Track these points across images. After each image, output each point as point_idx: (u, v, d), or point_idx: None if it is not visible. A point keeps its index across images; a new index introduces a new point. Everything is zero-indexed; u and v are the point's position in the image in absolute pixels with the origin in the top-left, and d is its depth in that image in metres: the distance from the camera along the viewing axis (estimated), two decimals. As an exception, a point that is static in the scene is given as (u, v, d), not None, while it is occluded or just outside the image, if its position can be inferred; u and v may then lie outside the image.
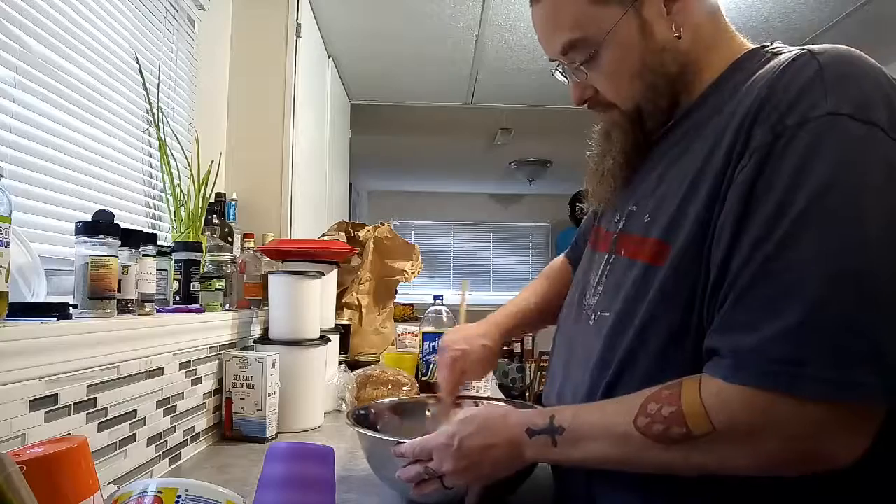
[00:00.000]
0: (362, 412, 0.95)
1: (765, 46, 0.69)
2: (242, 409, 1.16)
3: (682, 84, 0.71)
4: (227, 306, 1.30)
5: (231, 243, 1.50)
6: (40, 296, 0.83)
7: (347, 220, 2.18)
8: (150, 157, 1.43)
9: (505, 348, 5.84)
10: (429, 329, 1.60)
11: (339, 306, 1.81)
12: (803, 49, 0.61)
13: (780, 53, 0.64)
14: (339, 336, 1.53)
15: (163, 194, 1.44)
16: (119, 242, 0.86)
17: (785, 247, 0.54)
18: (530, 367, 5.19)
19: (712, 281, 0.59)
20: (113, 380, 0.81)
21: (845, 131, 0.54)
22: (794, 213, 0.54)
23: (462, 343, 0.95)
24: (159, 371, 0.94)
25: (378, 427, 0.94)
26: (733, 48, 0.71)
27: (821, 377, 0.51)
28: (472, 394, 1.47)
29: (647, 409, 0.59)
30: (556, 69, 0.78)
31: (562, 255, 1.10)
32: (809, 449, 0.53)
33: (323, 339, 1.33)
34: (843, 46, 0.59)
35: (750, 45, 0.71)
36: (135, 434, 0.87)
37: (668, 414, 0.57)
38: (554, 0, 0.72)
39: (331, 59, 2.69)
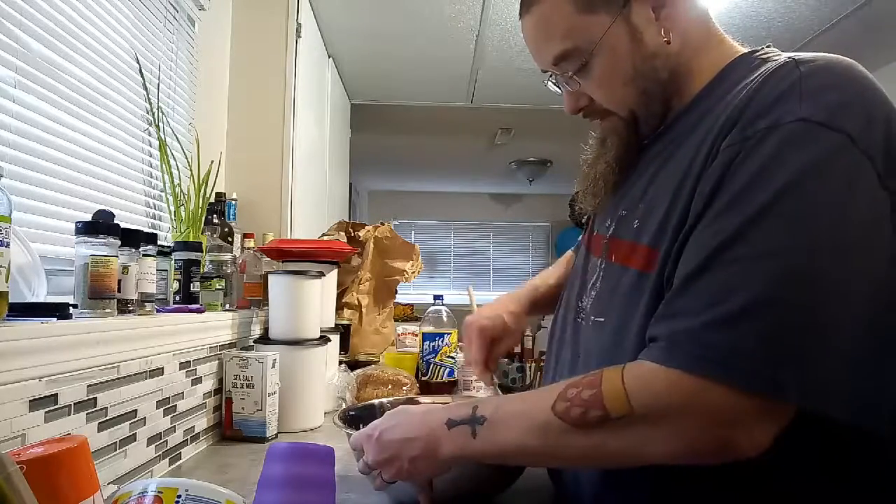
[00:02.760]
0: (353, 413, 0.95)
1: (756, 51, 0.69)
2: (242, 409, 1.16)
3: (674, 88, 0.72)
4: (227, 306, 1.30)
5: (231, 243, 1.50)
6: (40, 296, 0.83)
7: (347, 220, 2.18)
8: (150, 157, 1.43)
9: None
10: (429, 329, 1.60)
11: (339, 306, 1.81)
12: (789, 57, 0.61)
13: (770, 60, 0.65)
14: (339, 336, 1.53)
15: (163, 194, 1.44)
16: (119, 242, 0.86)
17: (735, 241, 0.55)
18: (530, 367, 5.19)
19: (667, 273, 0.60)
20: (113, 380, 0.81)
21: (814, 138, 0.55)
22: (750, 211, 0.54)
23: (488, 311, 0.95)
24: (159, 371, 0.94)
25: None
26: (724, 52, 0.71)
27: (748, 369, 0.52)
28: (472, 394, 1.47)
29: (566, 394, 0.59)
30: (549, 80, 0.78)
31: (572, 250, 1.09)
32: (725, 436, 0.53)
33: (323, 339, 1.33)
34: (835, 56, 0.59)
35: (741, 49, 0.71)
36: (135, 434, 0.87)
37: (588, 397, 0.57)
38: (543, 12, 0.72)
39: (331, 59, 2.69)
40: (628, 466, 0.60)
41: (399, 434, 0.69)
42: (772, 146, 0.55)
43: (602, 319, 0.69)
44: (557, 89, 0.79)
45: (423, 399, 1.06)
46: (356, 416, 0.93)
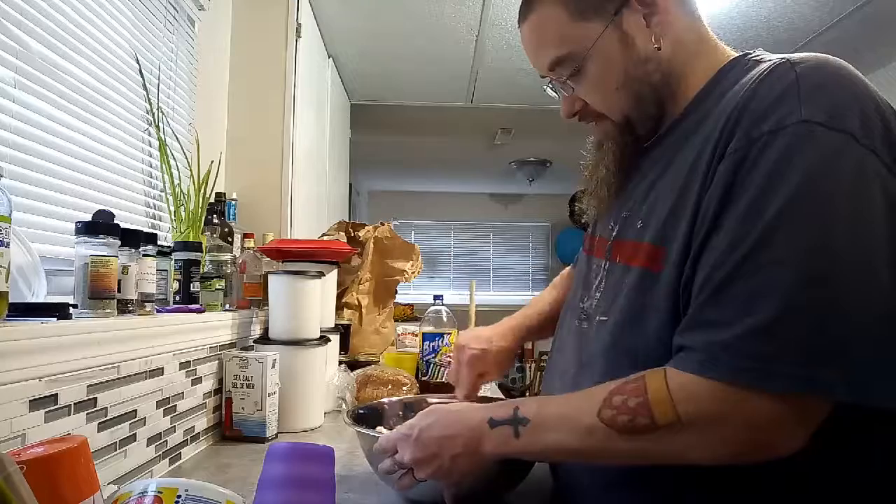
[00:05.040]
0: (362, 411, 0.95)
1: (748, 54, 0.70)
2: (242, 409, 1.16)
3: (668, 92, 0.73)
4: (227, 306, 1.30)
5: (231, 243, 1.50)
6: (40, 296, 0.83)
7: (347, 220, 2.18)
8: (150, 157, 1.43)
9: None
10: (429, 329, 1.60)
11: (339, 306, 1.81)
12: (783, 58, 0.62)
13: (763, 61, 0.66)
14: (339, 336, 1.52)
15: (163, 194, 1.44)
16: (119, 242, 0.86)
17: (758, 249, 0.55)
18: (530, 368, 5.19)
19: (684, 279, 0.61)
20: (113, 380, 0.81)
21: (818, 139, 0.56)
22: (768, 217, 0.55)
23: (482, 342, 0.97)
24: (159, 371, 0.94)
25: (380, 426, 0.94)
26: (717, 56, 0.73)
27: (790, 373, 0.53)
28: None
29: (611, 401, 0.60)
30: (548, 85, 0.80)
31: (569, 267, 1.10)
32: (765, 439, 0.55)
33: (323, 339, 1.33)
34: (825, 56, 0.61)
35: (733, 53, 0.73)
36: (135, 434, 0.87)
37: (635, 405, 0.58)
38: (538, 19, 0.75)
39: (331, 59, 2.69)
40: (668, 465, 0.60)
41: (439, 432, 0.70)
42: (778, 150, 0.56)
43: (606, 318, 0.70)
44: (555, 94, 0.81)
45: (432, 399, 1.06)
46: (364, 415, 0.94)
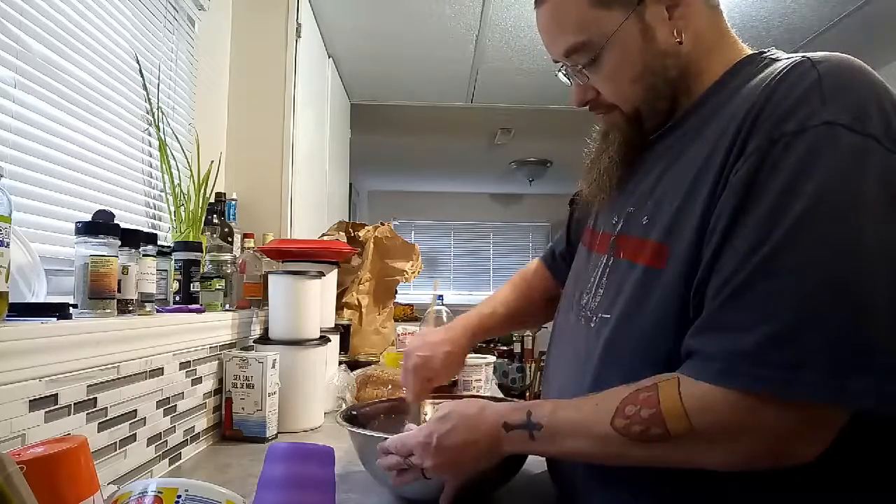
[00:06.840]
0: (353, 412, 0.95)
1: (763, 52, 0.69)
2: (242, 409, 1.16)
3: (682, 87, 0.72)
4: (227, 306, 1.30)
5: (231, 243, 1.50)
6: (40, 296, 0.83)
7: (347, 220, 2.18)
8: (150, 157, 1.43)
9: (504, 348, 5.72)
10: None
11: (339, 306, 1.81)
12: (803, 56, 0.61)
13: (779, 59, 0.65)
14: (339, 336, 1.53)
15: (163, 194, 1.44)
16: (119, 242, 0.86)
17: (779, 252, 0.54)
18: (530, 367, 5.19)
19: (697, 281, 0.59)
20: (113, 380, 0.81)
21: (841, 141, 0.54)
22: (790, 220, 0.54)
23: (425, 350, 0.98)
24: (159, 371, 0.94)
25: (371, 427, 0.95)
26: (734, 53, 0.71)
27: (815, 382, 0.51)
28: (472, 393, 1.47)
29: (624, 411, 0.59)
30: (560, 71, 0.79)
31: (538, 260, 1.09)
32: (784, 448, 0.54)
33: (323, 339, 1.33)
34: (844, 55, 0.60)
35: (749, 51, 0.72)
36: (135, 434, 0.87)
37: (647, 416, 0.57)
38: (557, 3, 0.73)
39: (331, 59, 2.69)
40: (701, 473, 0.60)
41: (458, 439, 0.70)
42: (801, 151, 0.55)
43: (608, 316, 0.69)
44: (567, 80, 0.79)
45: (428, 400, 1.06)
46: (355, 416, 0.94)
